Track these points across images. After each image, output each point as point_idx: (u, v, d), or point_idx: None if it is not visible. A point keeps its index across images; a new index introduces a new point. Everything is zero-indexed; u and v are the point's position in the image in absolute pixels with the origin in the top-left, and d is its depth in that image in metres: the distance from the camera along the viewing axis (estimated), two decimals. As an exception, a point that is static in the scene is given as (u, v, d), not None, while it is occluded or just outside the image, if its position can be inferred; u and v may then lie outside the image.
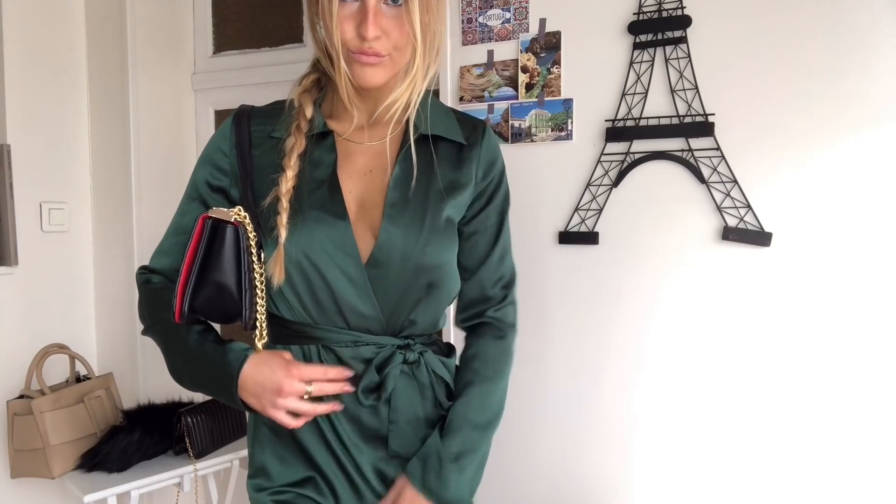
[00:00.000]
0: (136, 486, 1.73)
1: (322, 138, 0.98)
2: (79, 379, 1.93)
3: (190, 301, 0.89)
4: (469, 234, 1.05)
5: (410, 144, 0.97)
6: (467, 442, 0.97)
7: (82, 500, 1.64)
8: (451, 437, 0.97)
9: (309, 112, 0.97)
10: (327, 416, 0.95)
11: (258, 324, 0.94)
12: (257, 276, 0.93)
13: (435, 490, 0.94)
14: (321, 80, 1.02)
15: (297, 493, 0.97)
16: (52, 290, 2.10)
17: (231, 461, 1.91)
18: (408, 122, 0.98)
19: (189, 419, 1.83)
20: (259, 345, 0.94)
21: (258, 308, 0.93)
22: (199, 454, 1.84)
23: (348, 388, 0.93)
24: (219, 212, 0.92)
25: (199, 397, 2.20)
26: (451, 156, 1.01)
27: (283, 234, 0.90)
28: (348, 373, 0.93)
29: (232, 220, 0.91)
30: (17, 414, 1.75)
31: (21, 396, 1.79)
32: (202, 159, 1.02)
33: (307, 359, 0.95)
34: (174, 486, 1.86)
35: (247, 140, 0.98)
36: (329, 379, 0.92)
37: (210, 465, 1.87)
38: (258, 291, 0.93)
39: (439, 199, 0.97)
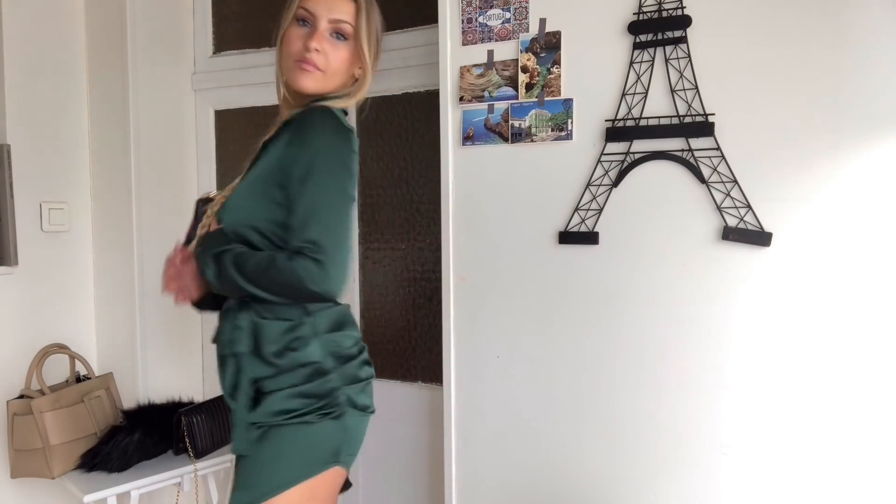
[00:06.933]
0: (136, 486, 1.73)
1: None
2: (79, 379, 1.93)
3: (188, 236, 1.32)
4: (289, 200, 1.20)
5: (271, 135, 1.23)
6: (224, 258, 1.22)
7: (82, 500, 1.64)
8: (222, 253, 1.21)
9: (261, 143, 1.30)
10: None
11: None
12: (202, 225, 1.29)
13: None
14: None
15: None
16: (52, 290, 2.10)
17: (231, 461, 1.91)
18: None
19: (189, 419, 1.83)
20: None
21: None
22: (199, 454, 1.84)
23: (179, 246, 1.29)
24: (204, 195, 1.36)
25: (199, 397, 2.20)
26: (281, 138, 1.20)
27: None
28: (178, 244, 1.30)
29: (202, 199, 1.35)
30: (17, 414, 1.75)
31: (21, 396, 1.79)
32: None
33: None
34: (174, 486, 1.86)
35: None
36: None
37: (210, 465, 1.87)
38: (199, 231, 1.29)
39: (257, 172, 1.19)
